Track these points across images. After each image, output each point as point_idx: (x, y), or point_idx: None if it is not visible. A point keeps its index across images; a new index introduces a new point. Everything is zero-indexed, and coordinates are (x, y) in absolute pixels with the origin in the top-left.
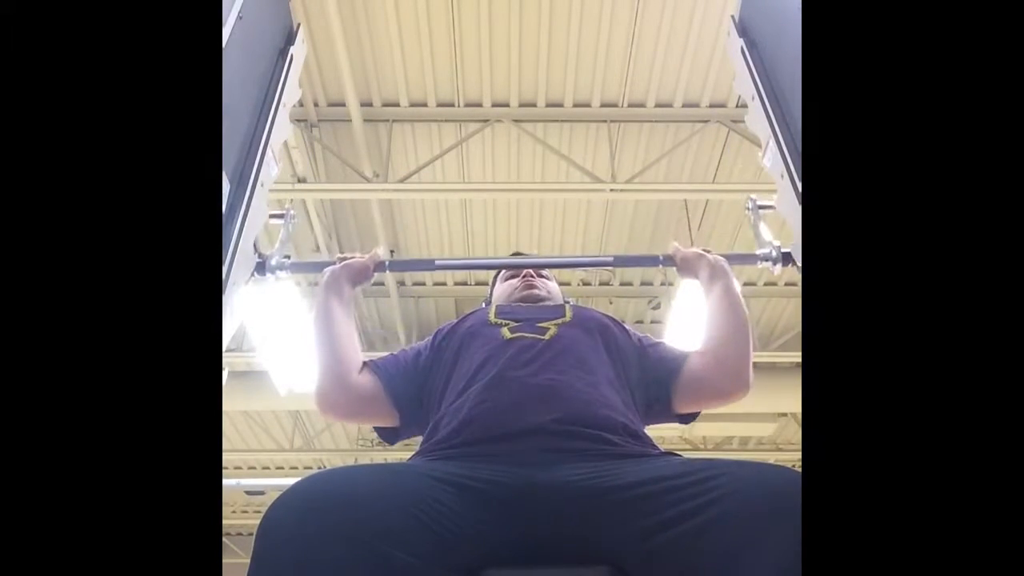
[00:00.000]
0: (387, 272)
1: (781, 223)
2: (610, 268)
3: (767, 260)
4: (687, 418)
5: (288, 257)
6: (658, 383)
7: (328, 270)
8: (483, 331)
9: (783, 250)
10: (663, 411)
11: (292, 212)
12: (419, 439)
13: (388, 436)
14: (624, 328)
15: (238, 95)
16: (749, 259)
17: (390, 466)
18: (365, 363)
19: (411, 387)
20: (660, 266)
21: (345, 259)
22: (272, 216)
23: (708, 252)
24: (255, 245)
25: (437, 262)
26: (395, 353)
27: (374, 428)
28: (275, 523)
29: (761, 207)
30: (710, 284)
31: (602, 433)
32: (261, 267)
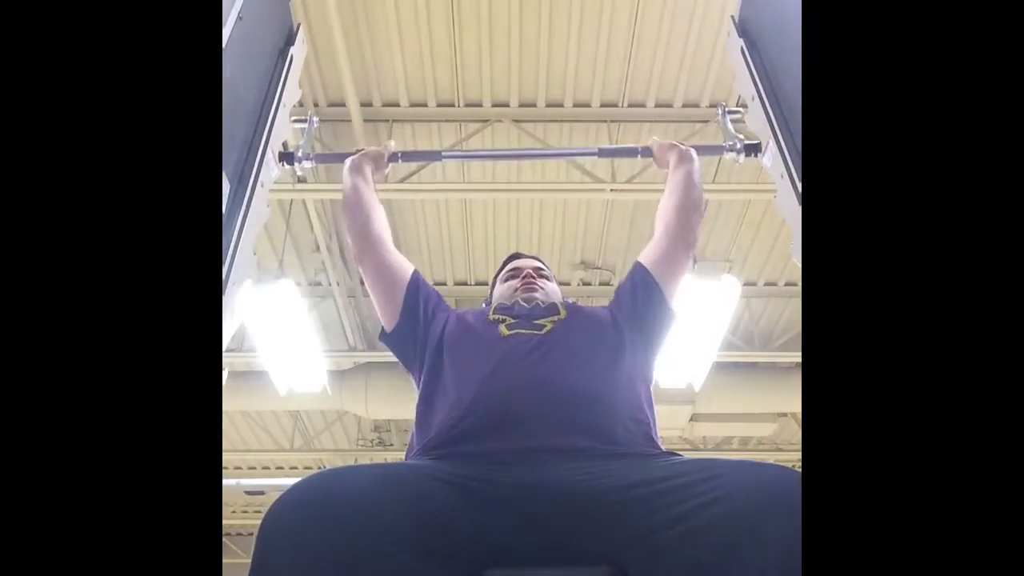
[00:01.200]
0: (399, 160)
1: (781, 223)
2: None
3: (732, 150)
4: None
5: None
6: (646, 293)
7: (349, 159)
8: (481, 327)
9: (747, 142)
10: (665, 314)
11: (315, 119)
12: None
13: (383, 336)
14: (606, 311)
15: (238, 95)
16: (717, 149)
17: (390, 466)
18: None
19: (421, 306)
20: (639, 156)
21: (362, 150)
22: (295, 121)
23: (680, 144)
24: (284, 144)
25: (443, 153)
26: (427, 285)
27: (382, 336)
28: (276, 523)
29: (730, 112)
30: (676, 167)
31: (600, 430)
32: (289, 157)
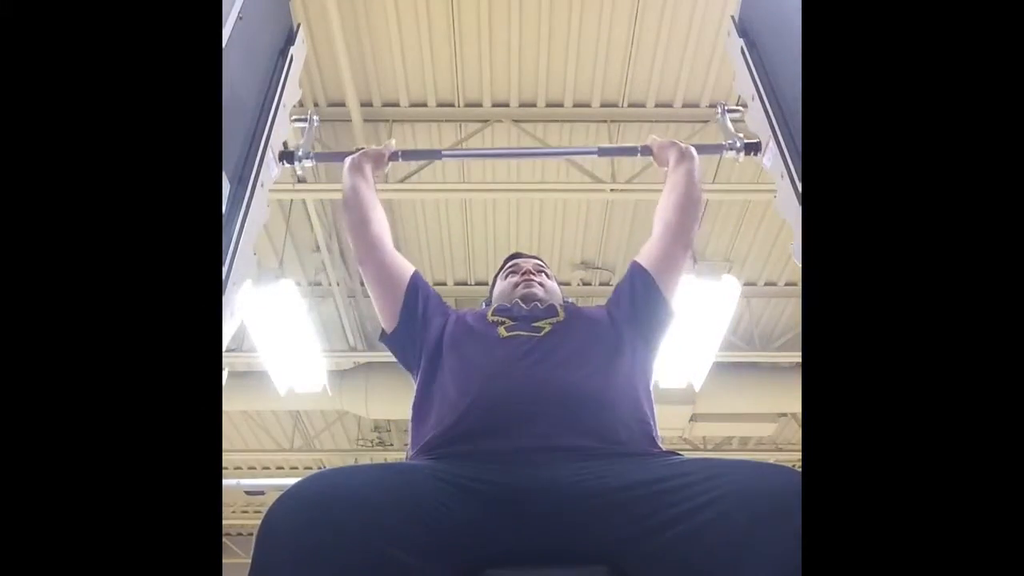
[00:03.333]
0: (399, 159)
1: (781, 223)
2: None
3: (732, 149)
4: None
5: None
6: (645, 292)
7: (349, 158)
8: (480, 328)
9: (746, 141)
10: (664, 313)
11: (316, 118)
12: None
13: (383, 338)
14: (604, 312)
15: (238, 95)
16: (717, 148)
17: (390, 466)
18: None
19: (421, 308)
20: (639, 155)
21: (362, 149)
22: (295, 120)
23: (680, 143)
24: (284, 144)
25: (443, 152)
26: (427, 286)
27: (382, 339)
28: (276, 523)
29: (729, 111)
30: (676, 165)
31: (600, 431)
32: (289, 156)
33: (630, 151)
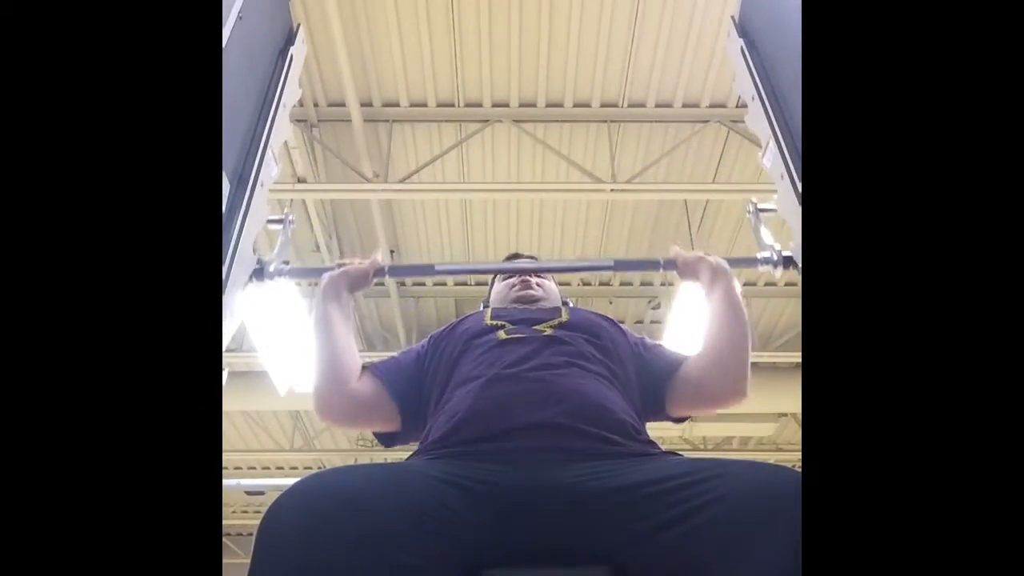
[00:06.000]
0: (386, 275)
1: (781, 223)
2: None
3: (768, 263)
4: (679, 420)
5: (287, 263)
6: (654, 383)
7: (326, 276)
8: (480, 334)
9: (784, 254)
10: (656, 411)
11: (291, 218)
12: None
13: (386, 440)
14: (621, 328)
15: (238, 95)
16: (750, 263)
17: (390, 466)
18: (365, 367)
19: (413, 389)
20: (661, 270)
21: (343, 265)
22: (270, 221)
23: (709, 255)
24: (254, 249)
25: (437, 267)
26: (395, 356)
27: (374, 434)
28: (275, 523)
29: (762, 210)
30: (711, 287)
31: (600, 431)
32: (259, 273)
33: (652, 265)
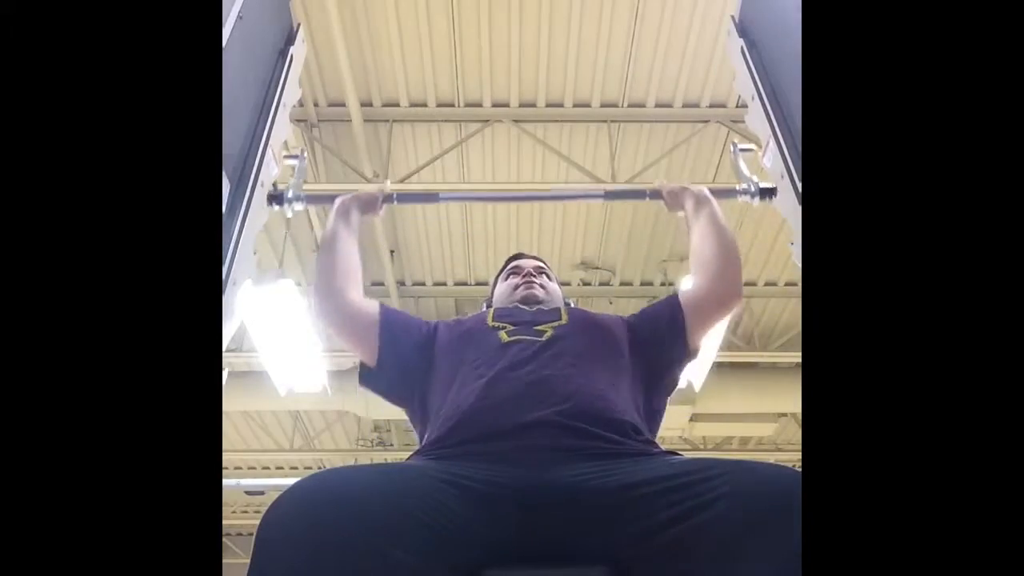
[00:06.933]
0: (394, 202)
1: (781, 223)
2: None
3: (747, 194)
4: (695, 353)
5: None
6: (670, 330)
7: (339, 199)
8: (481, 334)
9: (762, 185)
10: (682, 356)
11: (305, 154)
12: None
13: (364, 378)
14: (620, 322)
15: (238, 95)
16: (730, 193)
17: (390, 466)
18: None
19: (402, 341)
20: (647, 199)
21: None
22: (287, 157)
23: (691, 186)
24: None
25: (441, 195)
26: (407, 313)
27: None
28: (274, 523)
29: (743, 150)
30: (696, 213)
31: (600, 430)
32: (278, 198)
33: (639, 195)
